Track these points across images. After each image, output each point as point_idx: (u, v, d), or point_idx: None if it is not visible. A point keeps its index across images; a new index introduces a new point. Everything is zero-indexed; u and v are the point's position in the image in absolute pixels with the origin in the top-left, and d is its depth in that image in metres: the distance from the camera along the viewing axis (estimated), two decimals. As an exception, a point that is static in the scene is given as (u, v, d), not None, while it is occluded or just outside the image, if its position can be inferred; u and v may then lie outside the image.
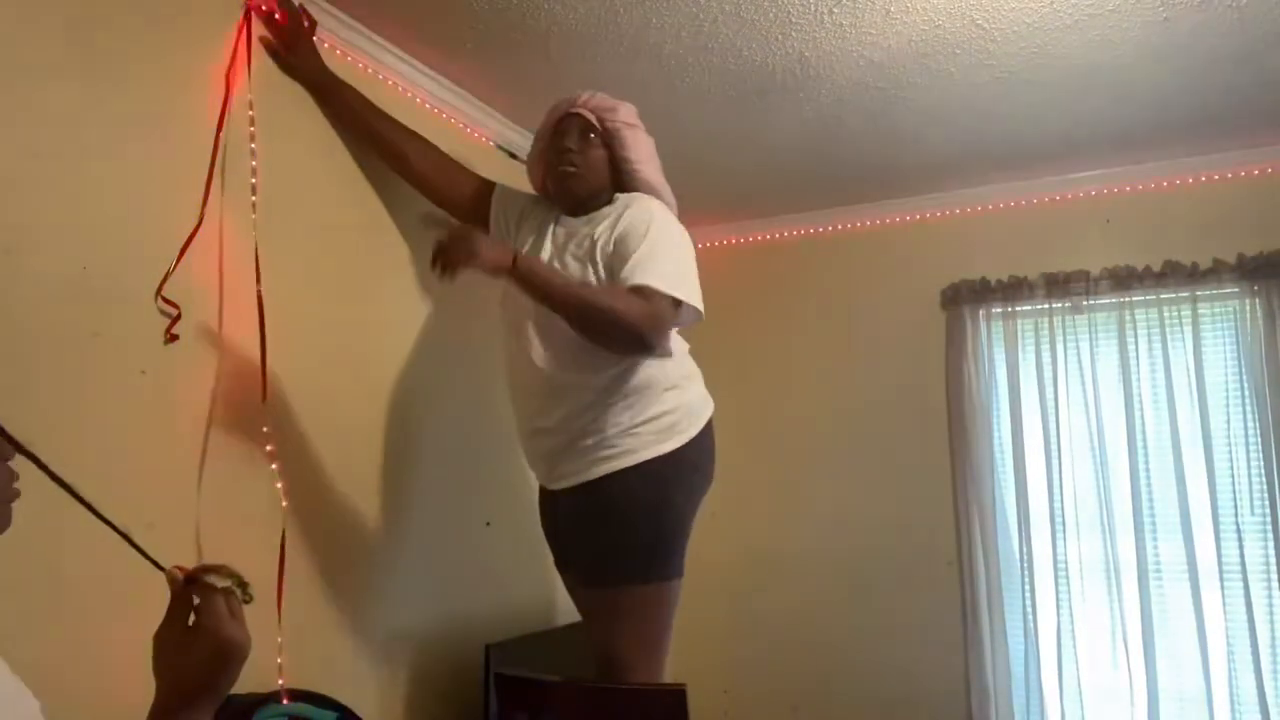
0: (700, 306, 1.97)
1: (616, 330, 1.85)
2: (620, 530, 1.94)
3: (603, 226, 2.01)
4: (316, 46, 2.10)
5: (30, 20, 1.56)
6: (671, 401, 1.99)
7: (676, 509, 1.98)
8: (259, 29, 2.00)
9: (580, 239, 2.03)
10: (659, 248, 1.91)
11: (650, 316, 1.86)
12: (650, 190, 2.11)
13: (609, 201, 2.09)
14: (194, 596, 0.94)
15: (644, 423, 1.95)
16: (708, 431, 2.06)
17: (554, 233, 2.10)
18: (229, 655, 0.92)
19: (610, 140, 2.07)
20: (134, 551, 1.03)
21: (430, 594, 2.39)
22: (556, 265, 2.01)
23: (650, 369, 1.98)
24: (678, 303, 1.92)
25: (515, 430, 2.18)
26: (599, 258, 1.97)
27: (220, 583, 0.95)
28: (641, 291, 1.86)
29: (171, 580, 0.96)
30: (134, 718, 1.64)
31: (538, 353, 1.99)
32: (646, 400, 1.96)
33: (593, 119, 2.07)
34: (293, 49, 2.04)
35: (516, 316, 2.06)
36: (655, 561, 1.96)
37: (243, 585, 0.96)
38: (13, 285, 1.50)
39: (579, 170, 2.06)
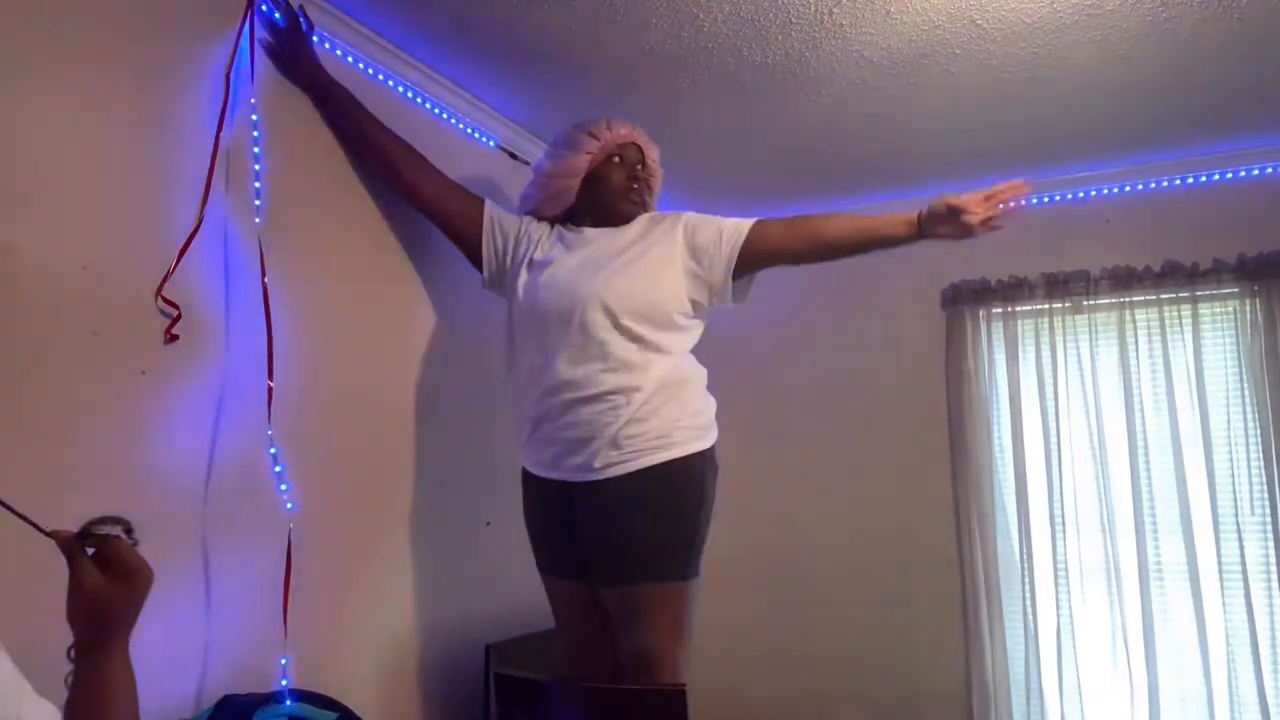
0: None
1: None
2: (664, 522, 1.99)
3: (656, 235, 2.16)
4: (315, 50, 2.10)
5: (29, 19, 1.56)
6: (702, 402, 2.11)
7: (709, 505, 2.08)
8: (259, 30, 2.00)
9: (637, 243, 2.15)
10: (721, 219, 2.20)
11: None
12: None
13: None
14: (88, 548, 1.01)
15: (686, 418, 2.04)
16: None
17: (572, 240, 2.20)
18: (146, 580, 1.03)
19: (648, 177, 2.27)
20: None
21: (430, 594, 2.39)
22: (599, 266, 2.11)
23: (688, 368, 2.10)
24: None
25: (523, 425, 2.18)
26: (688, 251, 2.14)
27: (110, 530, 1.02)
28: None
29: (63, 540, 1.01)
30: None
31: (593, 346, 2.03)
32: (687, 397, 2.06)
33: (647, 157, 2.25)
34: (291, 52, 2.05)
35: (562, 307, 2.07)
36: (692, 556, 2.01)
37: (129, 530, 1.04)
38: (13, 284, 1.50)
39: (645, 198, 2.27)
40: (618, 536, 2.01)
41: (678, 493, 2.00)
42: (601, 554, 2.04)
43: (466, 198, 2.31)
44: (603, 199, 2.22)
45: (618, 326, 2.03)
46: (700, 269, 2.12)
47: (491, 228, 2.27)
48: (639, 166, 2.23)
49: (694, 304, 2.13)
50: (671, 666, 1.96)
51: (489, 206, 2.30)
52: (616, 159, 2.21)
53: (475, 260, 2.30)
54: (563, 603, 2.21)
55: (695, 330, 2.16)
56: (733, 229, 2.13)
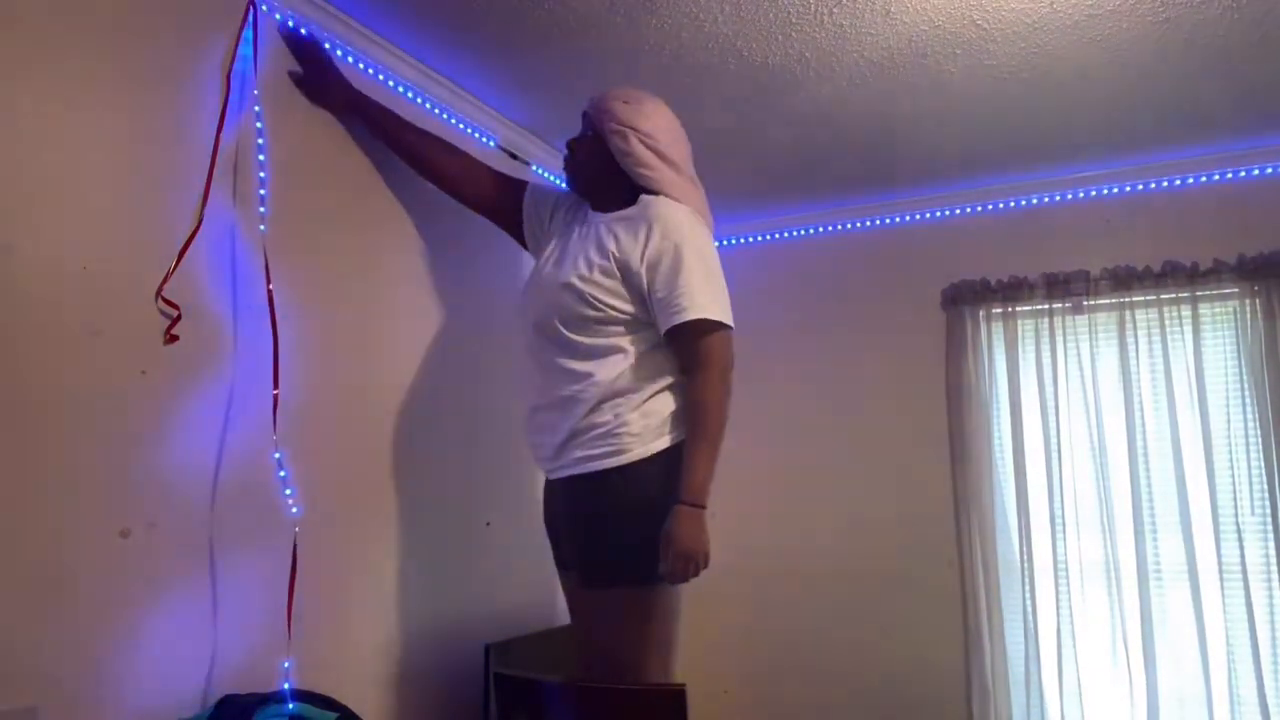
0: (730, 322, 2.00)
1: (726, 401, 1.97)
2: (619, 526, 1.92)
3: (621, 229, 2.01)
4: (340, 71, 2.13)
5: (29, 19, 1.56)
6: (671, 399, 2.00)
7: (664, 512, 1.92)
8: (287, 62, 2.01)
9: (602, 236, 2.03)
10: (693, 274, 1.94)
11: (716, 364, 1.95)
12: (663, 190, 2.05)
13: (631, 201, 2.06)
14: None
15: (644, 418, 1.95)
16: None
17: (580, 228, 2.12)
18: None
19: (604, 142, 2.07)
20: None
21: (430, 594, 2.39)
22: (590, 254, 2.01)
23: (650, 367, 1.99)
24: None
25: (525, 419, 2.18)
26: (612, 263, 1.97)
27: None
28: (690, 330, 1.93)
29: None
30: (134, 718, 1.65)
31: (549, 347, 2.03)
32: (644, 396, 1.96)
33: (592, 118, 2.11)
34: (319, 80, 2.09)
35: (528, 314, 2.10)
36: (651, 560, 1.92)
37: None
38: (13, 284, 1.50)
39: (570, 167, 2.18)
40: (576, 539, 2.01)
41: (634, 495, 1.90)
42: (571, 555, 2.05)
43: (507, 185, 2.32)
44: None
45: (564, 334, 1.98)
46: (646, 295, 1.97)
47: (530, 213, 2.28)
48: (589, 132, 2.11)
49: (637, 309, 1.99)
50: (648, 674, 1.90)
51: (529, 190, 2.31)
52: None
53: (523, 245, 2.33)
54: (567, 596, 2.21)
55: (653, 327, 1.99)
56: (679, 308, 1.93)
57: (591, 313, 1.97)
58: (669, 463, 1.94)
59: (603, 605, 1.95)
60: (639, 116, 2.06)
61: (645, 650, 1.92)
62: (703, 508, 1.88)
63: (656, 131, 2.07)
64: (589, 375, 1.96)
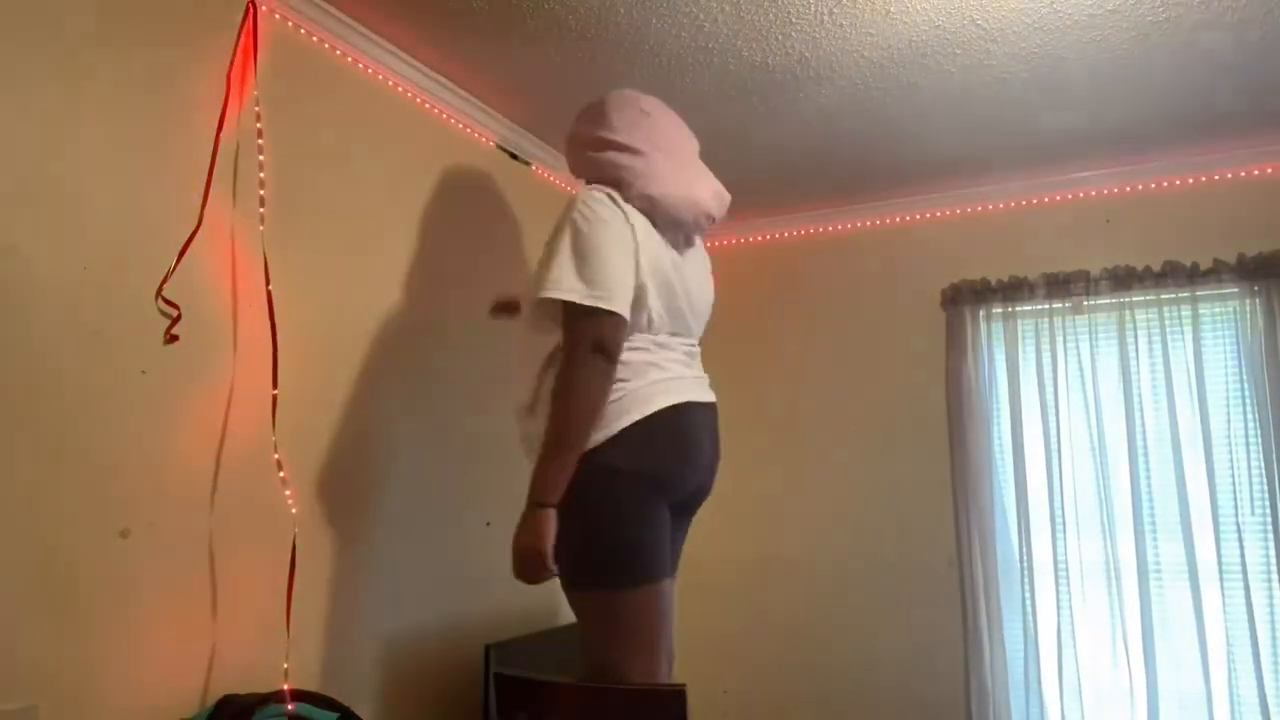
0: (587, 301, 1.74)
1: (578, 392, 1.77)
2: (562, 528, 1.79)
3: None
4: None
5: (30, 21, 1.56)
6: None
7: (593, 515, 1.78)
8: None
9: None
10: (560, 249, 1.78)
11: (574, 351, 1.76)
12: (587, 173, 1.98)
13: None
14: None
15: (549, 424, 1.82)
16: (636, 435, 1.81)
17: None
18: None
19: None
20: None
21: (430, 594, 2.39)
22: None
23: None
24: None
25: None
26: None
27: None
28: (556, 312, 1.80)
29: None
30: (134, 718, 1.65)
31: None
32: (549, 400, 1.82)
33: None
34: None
35: None
36: (585, 567, 1.81)
37: None
38: (14, 285, 1.50)
39: None
40: None
41: (564, 503, 1.75)
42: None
43: None
44: None
45: (534, 329, 1.92)
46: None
47: None
48: None
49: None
50: (618, 674, 1.84)
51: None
52: None
53: None
54: None
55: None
56: (538, 283, 1.80)
57: (535, 309, 1.87)
58: (601, 462, 1.79)
59: (577, 607, 1.92)
60: (580, 122, 2.04)
61: (624, 652, 1.85)
62: (545, 506, 1.74)
63: (575, 123, 2.02)
64: (533, 376, 1.90)
